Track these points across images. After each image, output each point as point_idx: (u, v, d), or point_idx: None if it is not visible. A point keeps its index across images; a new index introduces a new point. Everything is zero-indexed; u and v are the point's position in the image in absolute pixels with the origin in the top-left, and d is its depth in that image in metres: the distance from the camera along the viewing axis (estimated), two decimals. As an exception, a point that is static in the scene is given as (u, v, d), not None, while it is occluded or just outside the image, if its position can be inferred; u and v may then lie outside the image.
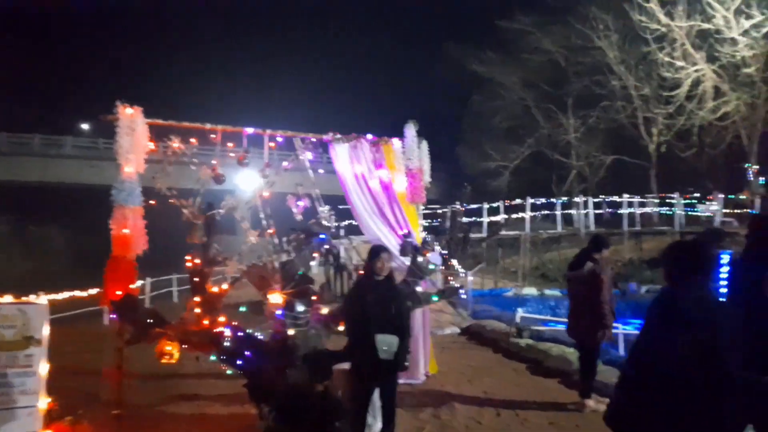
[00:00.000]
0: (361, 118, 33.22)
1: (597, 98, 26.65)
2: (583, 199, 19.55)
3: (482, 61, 29.38)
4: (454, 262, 14.43)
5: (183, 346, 3.92)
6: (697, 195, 20.12)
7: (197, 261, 4.23)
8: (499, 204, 19.23)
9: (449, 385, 6.15)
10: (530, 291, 14.31)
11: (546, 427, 4.95)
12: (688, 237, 18.64)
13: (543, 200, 19.83)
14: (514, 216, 19.85)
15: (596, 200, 20.52)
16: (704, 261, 2.27)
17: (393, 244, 5.40)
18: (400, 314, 3.74)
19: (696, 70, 20.33)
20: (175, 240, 5.29)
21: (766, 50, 18.95)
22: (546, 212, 20.72)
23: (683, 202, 19.27)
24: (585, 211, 19.01)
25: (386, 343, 3.56)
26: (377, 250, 3.85)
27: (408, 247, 5.00)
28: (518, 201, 18.84)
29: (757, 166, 21.25)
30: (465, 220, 19.50)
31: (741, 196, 19.13)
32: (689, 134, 21.29)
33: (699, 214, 19.39)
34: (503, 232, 18.62)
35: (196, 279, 4.19)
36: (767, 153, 22.46)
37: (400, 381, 4.51)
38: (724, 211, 19.15)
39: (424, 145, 6.17)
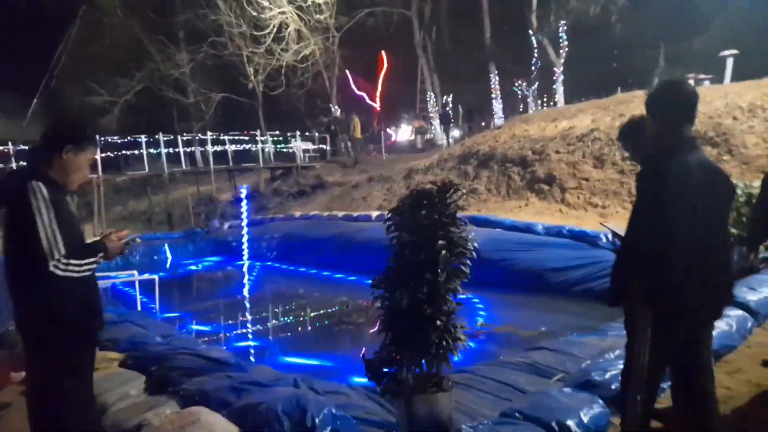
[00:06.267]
0: None
1: (206, 33, 26.03)
2: (187, 137, 18.71)
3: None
4: None
5: None
6: (290, 133, 21.72)
7: None
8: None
9: None
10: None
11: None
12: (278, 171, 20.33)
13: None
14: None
15: (187, 138, 19.96)
16: None
17: None
18: None
19: (281, 12, 21.44)
20: None
21: (334, -1, 21.22)
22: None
23: (271, 139, 20.60)
24: (191, 149, 18.14)
25: None
26: None
27: None
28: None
29: (337, 107, 24.37)
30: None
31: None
32: (279, 74, 22.66)
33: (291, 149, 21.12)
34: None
35: None
36: (345, 97, 26.03)
37: None
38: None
39: None
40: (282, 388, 3.44)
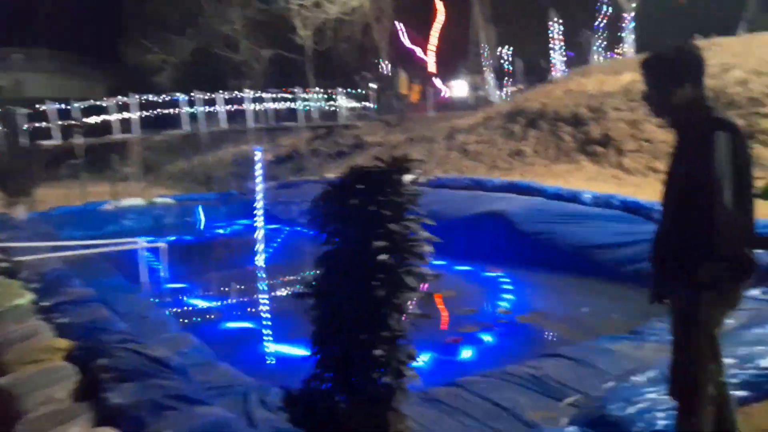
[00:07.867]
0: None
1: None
2: (227, 95, 17.94)
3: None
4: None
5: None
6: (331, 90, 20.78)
7: None
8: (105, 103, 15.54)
9: None
10: (134, 202, 12.91)
11: None
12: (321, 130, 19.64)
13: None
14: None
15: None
16: None
17: None
18: None
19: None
20: None
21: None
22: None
23: (315, 96, 19.79)
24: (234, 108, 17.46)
25: None
26: None
27: None
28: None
29: (384, 62, 23.23)
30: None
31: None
32: (327, 29, 21.73)
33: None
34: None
35: None
36: (396, 50, 24.81)
37: None
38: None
39: None
40: (212, 408, 2.79)
